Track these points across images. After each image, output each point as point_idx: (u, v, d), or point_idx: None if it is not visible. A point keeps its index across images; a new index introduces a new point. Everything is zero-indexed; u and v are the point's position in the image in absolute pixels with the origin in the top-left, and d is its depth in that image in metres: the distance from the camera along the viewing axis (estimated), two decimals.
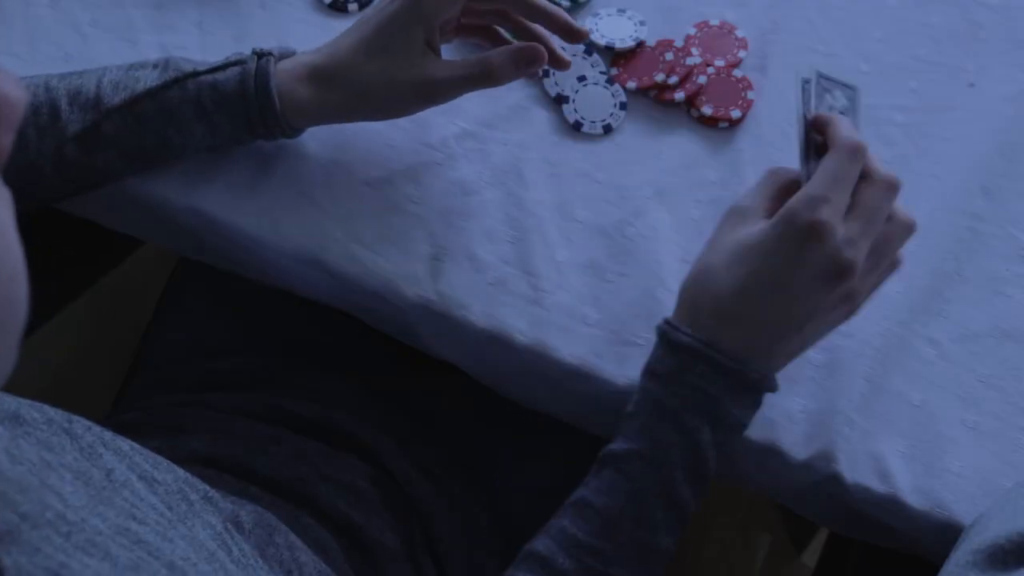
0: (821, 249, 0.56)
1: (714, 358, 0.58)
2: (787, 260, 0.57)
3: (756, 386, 0.59)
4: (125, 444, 0.48)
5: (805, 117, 0.62)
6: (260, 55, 0.65)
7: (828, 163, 0.58)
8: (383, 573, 0.68)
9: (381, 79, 0.64)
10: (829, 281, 0.57)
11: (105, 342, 1.31)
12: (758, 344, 0.58)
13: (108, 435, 0.47)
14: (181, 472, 0.50)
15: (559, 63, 0.68)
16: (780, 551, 1.30)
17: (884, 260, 0.60)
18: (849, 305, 0.59)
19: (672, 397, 0.58)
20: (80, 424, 0.46)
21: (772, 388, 0.60)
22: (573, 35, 0.67)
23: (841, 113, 0.63)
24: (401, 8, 0.63)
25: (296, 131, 0.68)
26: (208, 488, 0.52)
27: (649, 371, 0.60)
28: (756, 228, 0.59)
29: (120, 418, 0.77)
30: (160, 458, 0.50)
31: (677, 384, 0.58)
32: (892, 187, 0.59)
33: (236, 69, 0.65)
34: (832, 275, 0.57)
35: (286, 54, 0.66)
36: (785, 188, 0.61)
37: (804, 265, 0.57)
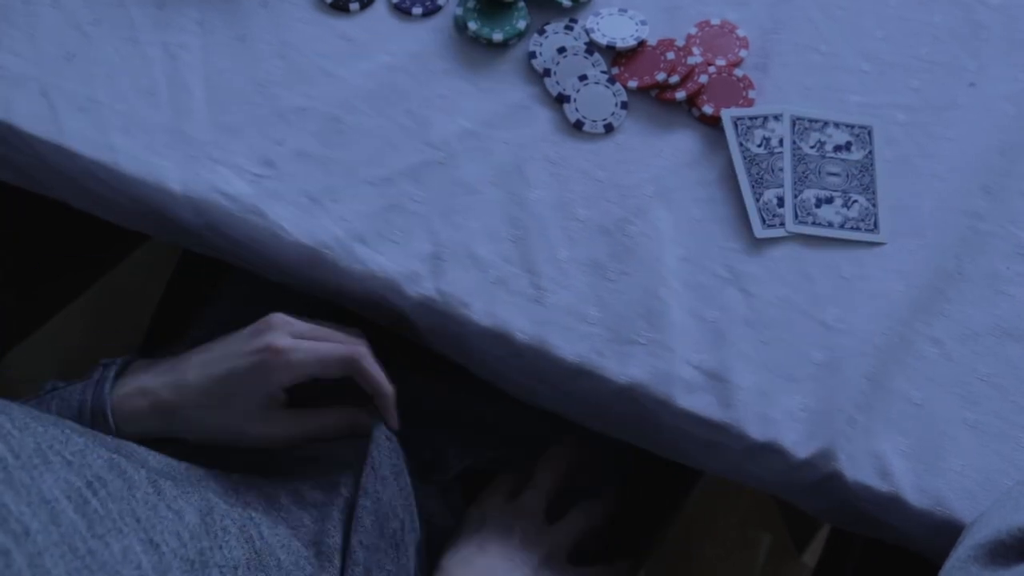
0: None
1: None
2: None
3: None
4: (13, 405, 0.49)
5: (742, 147, 0.70)
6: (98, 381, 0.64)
7: None
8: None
9: (219, 423, 0.65)
10: None
11: (105, 342, 1.31)
12: None
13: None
14: (49, 434, 0.49)
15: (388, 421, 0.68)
16: (781, 550, 1.30)
17: None
18: None
19: None
20: None
21: None
22: (389, 417, 0.67)
23: (778, 144, 0.71)
24: (247, 372, 0.63)
25: None
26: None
27: None
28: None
29: None
30: (33, 411, 0.50)
31: None
32: None
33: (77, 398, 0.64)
34: None
35: (127, 367, 0.66)
36: None
37: None
